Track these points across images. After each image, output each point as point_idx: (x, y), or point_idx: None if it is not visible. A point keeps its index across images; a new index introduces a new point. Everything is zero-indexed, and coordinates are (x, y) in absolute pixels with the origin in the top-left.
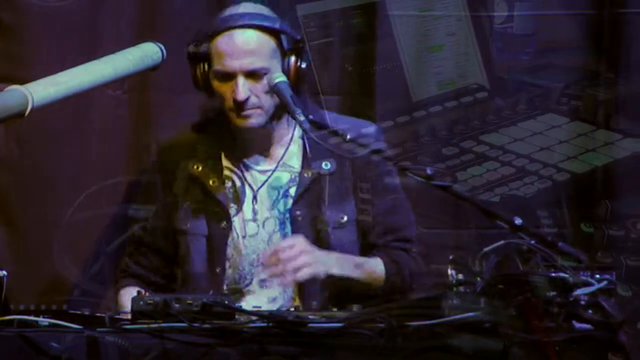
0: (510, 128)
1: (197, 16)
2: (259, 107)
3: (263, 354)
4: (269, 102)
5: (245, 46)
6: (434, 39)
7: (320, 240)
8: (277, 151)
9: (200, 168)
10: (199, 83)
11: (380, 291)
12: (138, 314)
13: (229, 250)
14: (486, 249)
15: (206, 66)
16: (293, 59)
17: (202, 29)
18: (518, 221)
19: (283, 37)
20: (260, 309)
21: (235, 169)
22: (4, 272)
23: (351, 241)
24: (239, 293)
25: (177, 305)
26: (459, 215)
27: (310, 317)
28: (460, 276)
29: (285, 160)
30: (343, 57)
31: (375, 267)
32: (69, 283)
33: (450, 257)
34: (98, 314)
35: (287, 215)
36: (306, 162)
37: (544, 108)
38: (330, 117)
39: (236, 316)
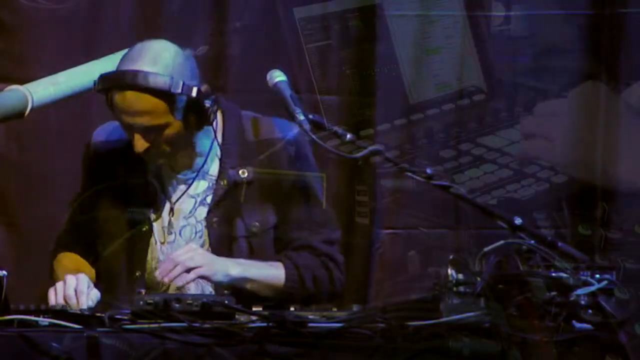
0: (508, 130)
1: (197, 16)
2: (162, 155)
3: (263, 354)
4: (170, 147)
5: (138, 107)
6: (432, 41)
7: (235, 249)
8: (199, 160)
9: (124, 171)
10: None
11: (280, 294)
12: (138, 314)
13: (148, 256)
14: (486, 249)
15: (111, 103)
16: (191, 115)
17: (103, 75)
18: (518, 221)
19: (178, 97)
20: (260, 310)
21: (157, 176)
22: (4, 272)
23: (267, 249)
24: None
25: (177, 305)
26: (459, 215)
27: (310, 317)
28: (460, 276)
29: (205, 168)
30: (341, 60)
31: (274, 271)
32: None
33: (450, 257)
34: (98, 314)
35: (204, 222)
36: (223, 169)
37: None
38: (250, 117)
39: (236, 316)
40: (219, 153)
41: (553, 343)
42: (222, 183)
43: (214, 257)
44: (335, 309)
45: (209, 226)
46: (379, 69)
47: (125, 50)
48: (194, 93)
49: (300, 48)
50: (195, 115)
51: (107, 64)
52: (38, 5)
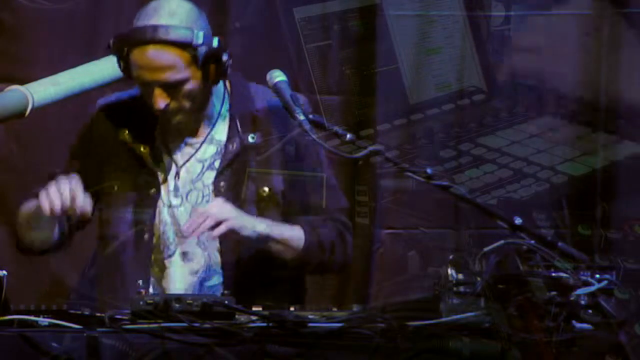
0: (508, 130)
1: None
2: (179, 110)
3: (263, 355)
4: (190, 102)
5: (159, 62)
6: (432, 41)
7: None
8: (206, 125)
9: (131, 135)
10: (124, 73)
11: (298, 258)
12: (138, 314)
13: (155, 219)
14: (486, 249)
15: (127, 63)
16: (212, 67)
17: (119, 34)
18: (518, 221)
19: (200, 48)
20: (261, 310)
21: (164, 140)
22: (4, 272)
23: (274, 213)
24: (162, 264)
25: (177, 305)
26: (459, 215)
27: (310, 317)
28: (460, 276)
29: (212, 134)
30: (341, 59)
31: (295, 232)
32: (68, 284)
33: (450, 257)
34: (98, 314)
35: (211, 187)
36: (232, 134)
37: (541, 110)
38: (260, 89)
39: (236, 316)
40: (227, 118)
41: (553, 343)
42: (231, 147)
43: (242, 212)
44: (335, 309)
45: (216, 190)
46: (379, 69)
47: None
48: (215, 43)
49: (300, 48)
50: (215, 67)
51: (107, 64)
52: (38, 5)
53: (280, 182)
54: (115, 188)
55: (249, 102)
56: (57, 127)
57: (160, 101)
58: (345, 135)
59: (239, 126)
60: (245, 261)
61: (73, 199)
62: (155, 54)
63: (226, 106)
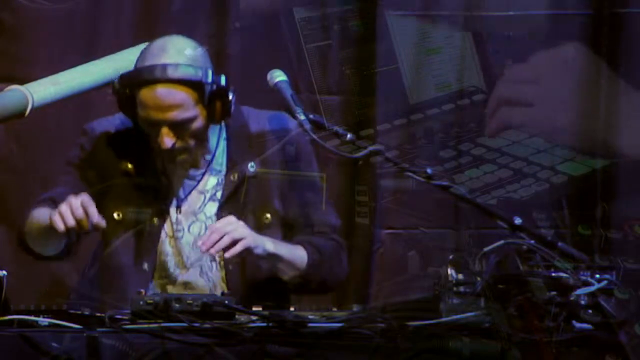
0: (508, 130)
1: (197, 16)
2: (185, 150)
3: (263, 355)
4: (195, 140)
5: (169, 101)
6: (432, 41)
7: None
8: (206, 156)
9: (133, 165)
10: (125, 112)
11: (300, 277)
12: (138, 314)
13: (158, 248)
14: (486, 249)
15: (132, 104)
16: (218, 104)
17: (127, 75)
18: (518, 221)
19: (207, 86)
20: (260, 310)
21: (167, 170)
22: (4, 272)
23: (277, 239)
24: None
25: (177, 305)
26: (459, 215)
27: (310, 317)
28: (460, 276)
29: (213, 164)
30: (341, 60)
31: (298, 252)
32: (68, 284)
33: (450, 257)
34: (98, 314)
35: (214, 218)
36: (231, 164)
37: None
38: (253, 113)
39: (236, 316)
40: (224, 148)
41: (553, 343)
42: (232, 178)
43: (251, 230)
44: (335, 309)
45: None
46: (379, 69)
47: (132, 49)
48: (222, 81)
49: (300, 48)
50: (221, 105)
51: (107, 64)
52: (38, 5)
53: (280, 206)
54: (116, 216)
55: (245, 128)
56: (57, 127)
57: (168, 140)
58: (345, 135)
59: (240, 155)
60: (251, 292)
61: (86, 216)
62: (164, 93)
63: (223, 135)
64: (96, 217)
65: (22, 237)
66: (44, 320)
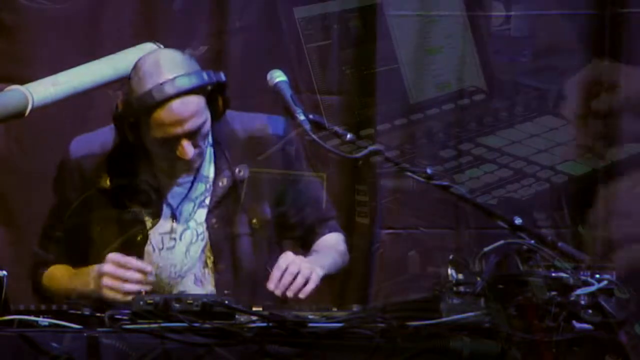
0: (508, 130)
1: (197, 16)
2: (201, 154)
3: (263, 355)
4: (205, 142)
5: (186, 112)
6: (432, 41)
7: (237, 245)
8: (193, 163)
9: (113, 182)
10: (128, 138)
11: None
12: (138, 314)
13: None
14: (486, 249)
15: (137, 129)
16: (220, 100)
17: (133, 101)
18: (518, 221)
19: (209, 86)
20: (261, 310)
21: (153, 183)
22: (4, 272)
23: (268, 242)
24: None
25: (177, 305)
26: (459, 215)
27: (310, 317)
28: (460, 276)
29: (201, 171)
30: (341, 59)
31: (331, 259)
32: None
33: (450, 257)
34: (98, 314)
35: (204, 225)
36: (219, 170)
37: (542, 110)
38: (237, 116)
39: (236, 316)
40: (211, 153)
41: (553, 343)
42: (220, 184)
43: (305, 261)
44: (335, 309)
45: (209, 227)
46: (379, 69)
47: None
48: (222, 77)
49: (300, 48)
50: (223, 102)
51: (107, 64)
52: (38, 5)
53: (269, 209)
54: (101, 237)
55: (231, 132)
56: (57, 127)
57: (189, 151)
58: (345, 135)
59: (229, 159)
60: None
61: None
62: (181, 106)
63: (210, 141)
64: (147, 267)
65: (40, 289)
66: (44, 320)
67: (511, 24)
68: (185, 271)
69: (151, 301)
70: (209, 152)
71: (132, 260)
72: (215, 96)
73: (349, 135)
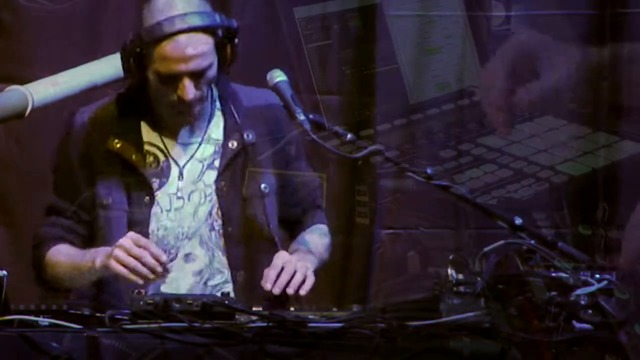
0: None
1: None
2: (200, 99)
3: (263, 355)
4: (209, 88)
5: (193, 50)
6: (432, 41)
7: (245, 209)
8: (201, 124)
9: (120, 143)
10: (132, 74)
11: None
12: (138, 314)
13: (153, 225)
14: (486, 249)
15: (142, 62)
16: (229, 48)
17: (142, 32)
18: (518, 221)
19: (219, 29)
20: (260, 310)
21: (158, 143)
22: (4, 272)
23: (272, 211)
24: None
25: (177, 305)
26: (459, 215)
27: (310, 317)
28: (460, 276)
29: (209, 132)
30: (341, 59)
31: (320, 247)
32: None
33: (450, 257)
34: (98, 314)
35: (213, 187)
36: (229, 133)
37: (542, 110)
38: (240, 88)
39: (236, 316)
40: (220, 117)
41: (553, 343)
42: (230, 145)
43: (298, 259)
44: (335, 309)
45: (218, 190)
46: (379, 69)
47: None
48: (234, 24)
49: (300, 48)
50: (231, 50)
51: (107, 64)
52: (38, 5)
53: (274, 179)
54: (105, 202)
55: (238, 101)
56: (57, 127)
57: (190, 91)
58: (345, 135)
59: (239, 121)
60: (251, 258)
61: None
62: (187, 42)
63: (217, 104)
64: (163, 257)
65: (43, 276)
66: (44, 320)
67: (511, 24)
68: (192, 233)
69: (151, 301)
70: (218, 116)
71: (152, 245)
72: (224, 43)
73: (349, 135)
